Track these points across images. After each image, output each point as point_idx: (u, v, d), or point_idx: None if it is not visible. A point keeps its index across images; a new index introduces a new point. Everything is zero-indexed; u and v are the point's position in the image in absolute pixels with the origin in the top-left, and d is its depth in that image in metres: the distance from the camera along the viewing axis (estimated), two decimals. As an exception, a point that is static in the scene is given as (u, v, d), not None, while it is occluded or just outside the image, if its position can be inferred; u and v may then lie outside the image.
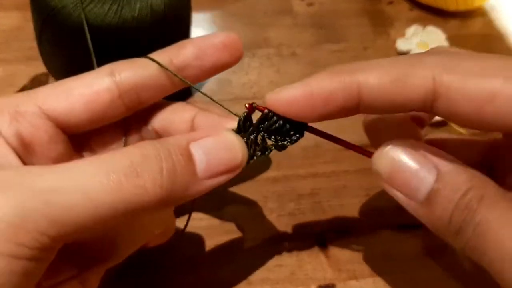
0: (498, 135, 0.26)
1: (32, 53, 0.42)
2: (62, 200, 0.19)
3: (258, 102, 0.25)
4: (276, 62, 0.47)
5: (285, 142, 0.25)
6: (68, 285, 0.23)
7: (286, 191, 0.38)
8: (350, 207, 0.37)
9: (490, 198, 0.20)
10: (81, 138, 0.27)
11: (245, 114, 0.24)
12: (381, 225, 0.36)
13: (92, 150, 0.28)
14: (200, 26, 0.50)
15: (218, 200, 0.37)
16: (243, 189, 0.38)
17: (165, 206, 0.21)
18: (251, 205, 0.37)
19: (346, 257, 0.34)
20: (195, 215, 0.36)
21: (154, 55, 0.26)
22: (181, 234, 0.34)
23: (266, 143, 0.25)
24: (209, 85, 0.45)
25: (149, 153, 0.20)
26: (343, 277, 0.33)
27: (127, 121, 0.28)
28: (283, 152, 0.39)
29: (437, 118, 0.27)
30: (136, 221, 0.25)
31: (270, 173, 0.39)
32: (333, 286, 0.33)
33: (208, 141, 0.22)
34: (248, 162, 0.24)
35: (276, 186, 0.38)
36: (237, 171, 0.23)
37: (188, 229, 0.35)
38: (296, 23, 0.51)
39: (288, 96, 0.22)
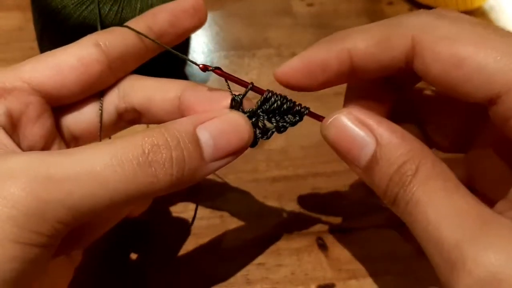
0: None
1: (33, 53, 0.42)
2: (80, 190, 0.19)
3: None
4: (276, 62, 0.47)
5: (285, 124, 0.25)
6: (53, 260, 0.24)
7: (286, 191, 0.38)
8: (350, 207, 0.37)
9: (424, 172, 0.21)
10: (56, 110, 0.27)
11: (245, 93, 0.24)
12: (381, 224, 0.36)
13: (67, 122, 0.27)
14: (200, 26, 0.50)
15: (218, 199, 0.37)
16: (243, 189, 0.38)
17: (173, 191, 0.22)
18: (251, 204, 0.37)
19: (346, 256, 0.34)
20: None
21: (130, 23, 0.27)
22: (188, 228, 0.35)
23: (266, 125, 0.25)
24: (209, 84, 0.45)
25: (159, 142, 0.21)
26: (343, 277, 0.33)
27: (103, 95, 0.27)
28: (284, 152, 0.40)
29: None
30: None
31: (270, 173, 0.39)
32: (333, 285, 0.33)
33: (214, 124, 0.22)
34: (253, 146, 0.24)
35: (276, 186, 0.38)
36: (243, 151, 0.23)
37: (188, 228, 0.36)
38: (296, 23, 0.51)
39: (290, 68, 0.24)
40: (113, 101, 0.27)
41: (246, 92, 0.24)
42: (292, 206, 0.37)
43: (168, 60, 0.40)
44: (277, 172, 0.39)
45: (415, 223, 0.21)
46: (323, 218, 0.36)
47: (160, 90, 0.26)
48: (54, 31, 0.36)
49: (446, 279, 0.19)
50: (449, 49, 0.20)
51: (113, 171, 0.20)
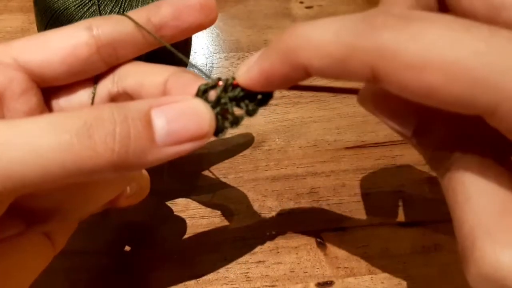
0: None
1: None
2: (10, 155, 0.18)
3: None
4: (276, 63, 0.48)
5: (255, 107, 0.23)
6: (27, 239, 0.24)
7: (285, 190, 0.38)
8: (349, 206, 0.37)
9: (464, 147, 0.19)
10: (50, 92, 0.26)
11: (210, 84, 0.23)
12: (379, 223, 0.36)
13: (59, 105, 0.27)
14: (201, 28, 0.51)
15: (218, 198, 0.37)
16: (243, 188, 0.38)
17: (122, 171, 0.20)
18: (251, 203, 0.37)
19: (344, 254, 0.35)
20: (196, 212, 0.37)
21: (132, 13, 0.26)
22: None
23: (234, 113, 0.23)
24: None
25: (104, 116, 0.19)
26: (341, 274, 0.34)
27: (98, 79, 0.27)
28: (283, 152, 0.40)
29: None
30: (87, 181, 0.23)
31: (269, 173, 0.39)
32: (332, 283, 0.34)
33: (172, 108, 0.21)
34: (217, 135, 0.23)
35: (275, 185, 0.38)
36: (204, 140, 0.22)
37: (189, 227, 0.36)
38: (295, 25, 0.52)
39: (248, 76, 0.22)
40: (106, 85, 0.27)
41: (213, 83, 0.23)
42: (291, 205, 0.37)
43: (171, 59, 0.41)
44: (276, 172, 0.39)
45: (448, 199, 0.19)
46: (322, 216, 0.37)
47: (150, 74, 0.26)
48: (56, 32, 0.37)
49: (462, 265, 0.18)
50: (414, 81, 0.17)
51: (48, 139, 0.18)
